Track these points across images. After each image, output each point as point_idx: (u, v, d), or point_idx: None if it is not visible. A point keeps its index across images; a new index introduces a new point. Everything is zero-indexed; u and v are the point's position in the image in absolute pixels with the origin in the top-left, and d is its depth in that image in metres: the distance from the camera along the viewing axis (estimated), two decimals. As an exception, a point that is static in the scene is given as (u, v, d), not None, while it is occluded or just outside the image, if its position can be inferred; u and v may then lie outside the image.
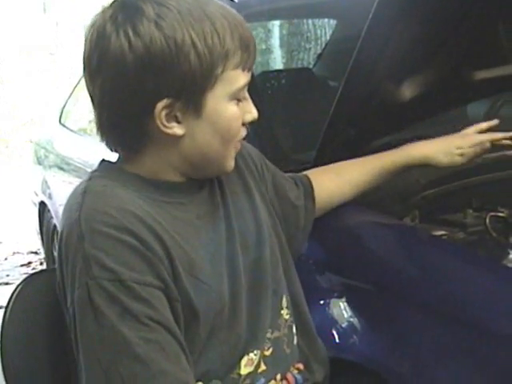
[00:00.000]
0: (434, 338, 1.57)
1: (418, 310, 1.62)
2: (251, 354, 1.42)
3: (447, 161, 1.84)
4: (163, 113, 1.30)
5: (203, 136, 1.35)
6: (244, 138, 1.43)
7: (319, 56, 3.53)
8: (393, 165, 1.83)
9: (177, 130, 1.33)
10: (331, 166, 1.86)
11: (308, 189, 1.75)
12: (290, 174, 1.77)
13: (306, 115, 2.52)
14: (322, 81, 3.01)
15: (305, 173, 1.83)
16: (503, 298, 1.51)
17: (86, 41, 1.33)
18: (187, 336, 1.29)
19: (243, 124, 1.39)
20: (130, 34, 1.27)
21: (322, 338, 1.66)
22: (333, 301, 1.76)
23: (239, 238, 1.44)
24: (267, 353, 1.45)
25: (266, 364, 1.45)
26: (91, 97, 1.35)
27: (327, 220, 1.82)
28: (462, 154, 1.84)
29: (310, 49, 5.20)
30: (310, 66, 3.49)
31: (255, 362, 1.42)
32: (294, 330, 1.54)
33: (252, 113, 1.39)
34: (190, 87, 1.29)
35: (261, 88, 2.58)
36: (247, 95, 1.39)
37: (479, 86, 2.24)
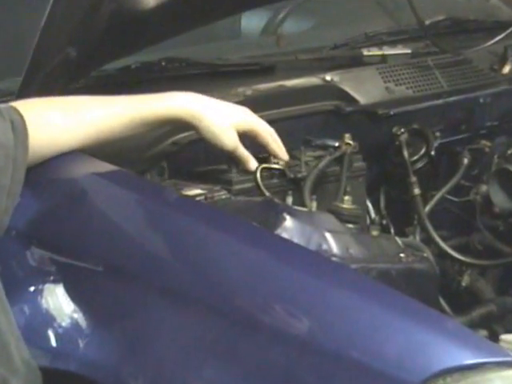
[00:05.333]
0: (187, 334, 1.34)
1: (163, 298, 1.38)
2: None
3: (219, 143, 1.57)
4: None
5: None
6: None
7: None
8: (150, 118, 1.55)
9: None
10: (65, 99, 1.58)
11: (19, 130, 1.46)
12: None
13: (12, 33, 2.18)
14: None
15: (17, 105, 1.49)
16: (273, 284, 1.26)
17: None
18: None
19: None
20: None
21: (32, 341, 1.41)
22: (47, 287, 1.48)
23: None
24: None
25: None
26: None
27: (40, 175, 1.52)
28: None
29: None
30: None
31: None
32: None
33: None
34: None
35: None
36: None
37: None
